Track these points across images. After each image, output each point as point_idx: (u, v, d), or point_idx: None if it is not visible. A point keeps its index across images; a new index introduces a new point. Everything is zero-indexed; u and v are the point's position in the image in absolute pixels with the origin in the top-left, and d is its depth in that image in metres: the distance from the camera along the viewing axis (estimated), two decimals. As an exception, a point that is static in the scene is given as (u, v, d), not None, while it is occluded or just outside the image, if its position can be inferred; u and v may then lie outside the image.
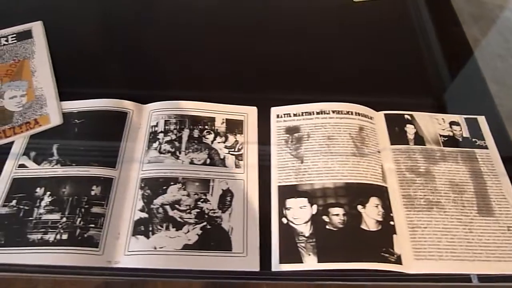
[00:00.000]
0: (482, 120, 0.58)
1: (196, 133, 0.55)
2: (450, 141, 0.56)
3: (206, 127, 0.56)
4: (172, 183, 0.50)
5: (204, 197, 0.50)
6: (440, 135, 0.56)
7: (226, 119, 0.57)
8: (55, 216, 0.47)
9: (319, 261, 0.45)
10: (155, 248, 0.46)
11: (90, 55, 0.66)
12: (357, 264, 0.45)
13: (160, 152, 0.53)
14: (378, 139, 0.55)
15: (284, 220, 0.49)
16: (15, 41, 0.64)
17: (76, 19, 0.72)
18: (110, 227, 0.47)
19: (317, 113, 0.57)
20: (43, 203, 0.48)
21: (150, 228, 0.47)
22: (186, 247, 0.46)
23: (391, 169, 0.53)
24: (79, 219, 0.47)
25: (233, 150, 0.54)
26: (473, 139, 0.56)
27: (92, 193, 0.49)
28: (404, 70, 0.66)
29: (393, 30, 0.73)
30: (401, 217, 0.49)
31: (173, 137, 0.54)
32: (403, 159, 0.53)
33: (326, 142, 0.54)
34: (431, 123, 0.57)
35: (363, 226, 0.48)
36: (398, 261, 0.46)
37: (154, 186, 0.50)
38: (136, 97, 0.58)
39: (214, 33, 0.70)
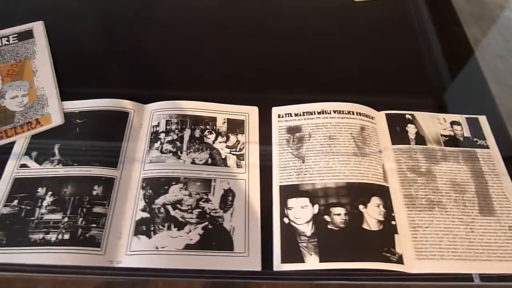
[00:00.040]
0: (483, 119, 0.58)
1: (197, 133, 0.55)
2: (451, 140, 0.56)
3: (208, 127, 0.56)
4: (173, 183, 0.50)
5: (205, 197, 0.50)
6: (441, 135, 0.56)
7: (228, 119, 0.57)
8: (57, 216, 0.47)
9: (320, 261, 0.46)
10: (157, 248, 0.46)
11: (91, 55, 0.66)
12: (358, 263, 0.45)
13: (161, 152, 0.53)
14: (379, 139, 0.55)
15: (286, 220, 0.49)
16: (16, 41, 0.64)
17: (77, 19, 0.72)
18: (112, 227, 0.47)
19: (319, 113, 0.57)
20: (44, 203, 0.48)
21: (152, 228, 0.47)
22: (187, 247, 0.46)
23: (392, 168, 0.53)
24: (80, 219, 0.47)
25: (234, 150, 0.54)
26: (474, 139, 0.56)
27: (94, 193, 0.49)
28: (405, 70, 0.67)
29: (394, 30, 0.73)
30: (403, 217, 0.49)
31: (175, 137, 0.54)
32: (405, 159, 0.53)
33: (328, 142, 0.54)
34: (432, 123, 0.57)
35: (364, 226, 0.48)
36: (400, 260, 0.46)
37: (155, 186, 0.50)
38: (137, 97, 0.58)
39: (215, 33, 0.70)
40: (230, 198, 0.50)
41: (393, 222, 0.48)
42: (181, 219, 0.48)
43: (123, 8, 0.75)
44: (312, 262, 0.46)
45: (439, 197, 0.50)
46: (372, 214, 0.48)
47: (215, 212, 0.49)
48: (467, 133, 0.56)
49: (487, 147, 0.55)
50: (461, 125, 0.57)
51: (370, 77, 0.64)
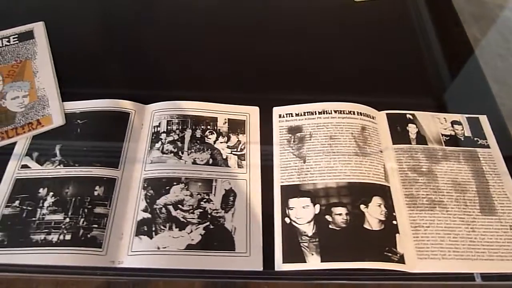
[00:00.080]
0: (483, 119, 0.58)
1: (198, 133, 0.55)
2: (452, 140, 0.56)
3: (209, 127, 0.56)
4: (175, 183, 0.50)
5: (207, 197, 0.50)
6: (442, 135, 0.56)
7: (228, 119, 0.57)
8: (58, 217, 0.47)
9: (322, 261, 0.46)
10: (159, 248, 0.46)
11: (92, 56, 0.66)
12: (360, 263, 0.45)
13: (162, 152, 0.53)
14: (380, 138, 0.55)
15: (287, 220, 0.49)
16: (17, 41, 0.64)
17: (77, 19, 0.72)
18: (113, 227, 0.47)
19: (319, 112, 0.57)
20: (46, 204, 0.48)
21: (153, 228, 0.47)
22: (189, 247, 0.46)
23: (393, 168, 0.53)
24: (82, 220, 0.47)
25: (235, 150, 0.54)
26: (475, 138, 0.56)
27: (95, 193, 0.49)
28: (405, 70, 0.67)
29: (394, 29, 0.73)
30: (404, 217, 0.49)
31: (176, 137, 0.54)
32: (405, 159, 0.54)
33: (329, 141, 0.54)
34: (433, 123, 0.57)
35: (366, 226, 0.48)
36: (401, 260, 0.46)
37: (157, 186, 0.50)
38: (138, 97, 0.58)
39: (216, 33, 0.70)
40: (231, 198, 0.50)
41: (394, 222, 0.48)
42: (182, 219, 0.48)
43: (123, 9, 0.75)
44: (313, 262, 0.46)
45: (440, 196, 0.50)
46: (373, 214, 0.48)
47: (217, 212, 0.49)
48: (467, 133, 0.57)
49: (488, 146, 0.55)
50: (462, 124, 0.57)
51: (371, 77, 0.64)
